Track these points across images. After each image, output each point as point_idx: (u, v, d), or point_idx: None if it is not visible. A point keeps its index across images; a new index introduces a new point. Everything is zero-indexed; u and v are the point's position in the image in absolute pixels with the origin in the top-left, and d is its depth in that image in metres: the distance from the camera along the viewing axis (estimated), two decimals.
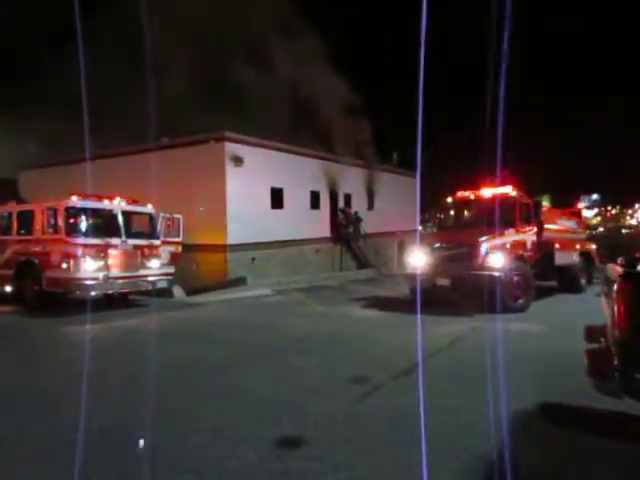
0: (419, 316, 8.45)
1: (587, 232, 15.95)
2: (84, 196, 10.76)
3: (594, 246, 14.85)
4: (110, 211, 10.97)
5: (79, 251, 10.01)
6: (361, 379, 5.33)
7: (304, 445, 3.67)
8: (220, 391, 5.07)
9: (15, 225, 11.19)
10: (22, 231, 11.07)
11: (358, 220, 22.18)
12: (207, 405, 4.65)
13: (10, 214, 11.38)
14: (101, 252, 10.33)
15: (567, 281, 12.77)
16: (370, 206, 24.55)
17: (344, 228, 22.04)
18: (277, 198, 18.53)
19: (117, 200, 11.20)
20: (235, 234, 16.30)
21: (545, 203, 12.91)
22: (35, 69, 21.47)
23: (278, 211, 18.47)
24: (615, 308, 3.23)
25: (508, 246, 10.39)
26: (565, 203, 15.32)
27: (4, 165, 21.32)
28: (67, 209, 10.30)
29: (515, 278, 9.91)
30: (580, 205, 14.82)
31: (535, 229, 11.18)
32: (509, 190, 11.13)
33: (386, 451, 3.56)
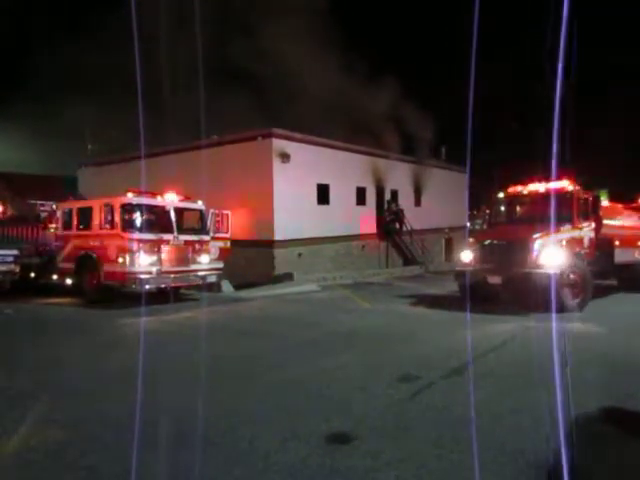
0: (469, 314, 8.25)
1: None
2: (139, 193, 11.16)
3: None
4: (163, 207, 11.34)
5: (134, 246, 10.40)
6: (410, 377, 5.26)
7: (353, 441, 3.66)
8: (269, 385, 5.14)
9: (75, 220, 11.77)
10: (81, 226, 11.63)
11: (401, 212, 21.89)
12: (257, 398, 4.72)
13: (71, 210, 11.97)
14: (155, 247, 10.70)
15: (627, 280, 12.13)
16: (417, 202, 24.19)
17: (390, 224, 21.82)
18: (323, 194, 18.58)
19: (170, 197, 11.56)
20: (282, 230, 16.48)
21: (603, 198, 12.26)
22: (89, 71, 22.50)
23: (324, 207, 18.52)
24: None
25: (564, 243, 9.93)
26: (625, 198, 14.46)
27: (65, 162, 22.51)
28: (123, 205, 10.73)
29: (571, 276, 9.48)
30: None
31: (593, 225, 10.66)
32: (566, 184, 10.65)
33: (437, 451, 3.49)
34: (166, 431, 3.87)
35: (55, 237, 12.33)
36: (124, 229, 10.59)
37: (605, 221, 10.92)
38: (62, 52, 21.32)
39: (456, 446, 3.53)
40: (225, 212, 12.75)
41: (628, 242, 11.90)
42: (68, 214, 11.98)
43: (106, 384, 5.24)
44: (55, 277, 12.13)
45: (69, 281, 11.76)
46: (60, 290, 12.06)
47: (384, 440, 3.67)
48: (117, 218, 10.68)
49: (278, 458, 3.39)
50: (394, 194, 22.49)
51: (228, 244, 12.87)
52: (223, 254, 12.59)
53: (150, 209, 11.31)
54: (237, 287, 13.78)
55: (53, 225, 12.66)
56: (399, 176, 22.50)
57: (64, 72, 22.44)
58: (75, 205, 12.15)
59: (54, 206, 12.91)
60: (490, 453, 3.38)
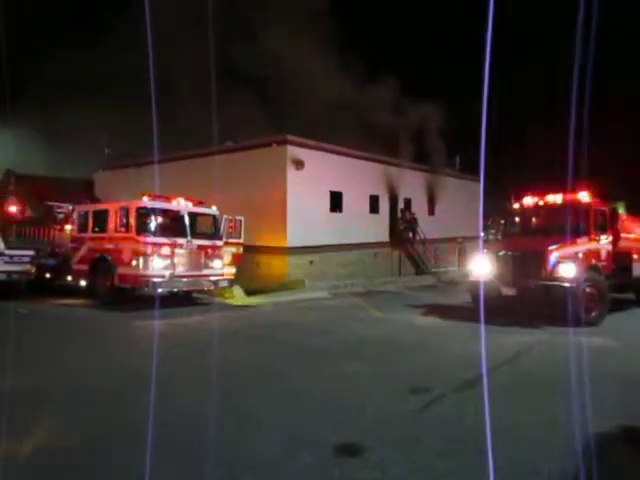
0: (482, 326, 8.14)
1: None
2: (154, 197, 11.25)
3: None
4: (177, 212, 11.41)
5: (148, 249, 10.47)
6: (421, 389, 5.19)
7: (362, 453, 3.60)
8: (278, 392, 5.11)
9: (91, 223, 11.89)
10: (97, 229, 11.75)
11: (415, 221, 21.82)
12: (266, 406, 4.69)
13: (86, 213, 12.11)
14: (168, 251, 10.76)
15: None
16: (431, 211, 24.08)
17: (403, 232, 21.73)
18: (336, 201, 18.58)
19: (184, 201, 11.64)
20: (294, 237, 16.49)
21: (621, 210, 12.07)
22: (108, 75, 22.84)
23: (337, 214, 18.51)
24: None
25: (581, 255, 9.77)
26: None
27: (81, 166, 22.82)
28: (138, 209, 10.82)
29: (588, 290, 9.30)
30: None
31: (611, 238, 10.48)
32: (583, 196, 10.51)
33: (448, 465, 3.42)
34: (176, 435, 3.86)
35: (70, 239, 12.48)
36: (139, 232, 10.67)
37: (623, 234, 10.73)
38: (72, 55, 21.67)
39: (467, 460, 3.46)
40: (238, 218, 12.78)
41: None
42: (84, 216, 12.12)
43: (117, 387, 5.25)
44: (70, 278, 12.26)
45: (83, 283, 11.87)
46: (74, 291, 12.18)
47: (394, 453, 3.61)
48: (132, 221, 10.77)
49: (286, 467, 3.36)
50: (407, 202, 22.41)
51: (240, 250, 12.89)
52: (236, 259, 12.62)
53: (165, 213, 11.39)
54: (249, 293, 13.78)
55: (69, 227, 12.81)
56: (413, 184, 22.43)
57: (77, 75, 22.80)
58: (91, 208, 12.29)
59: (70, 208, 13.06)
60: (502, 468, 3.30)
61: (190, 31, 18.96)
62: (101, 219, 11.59)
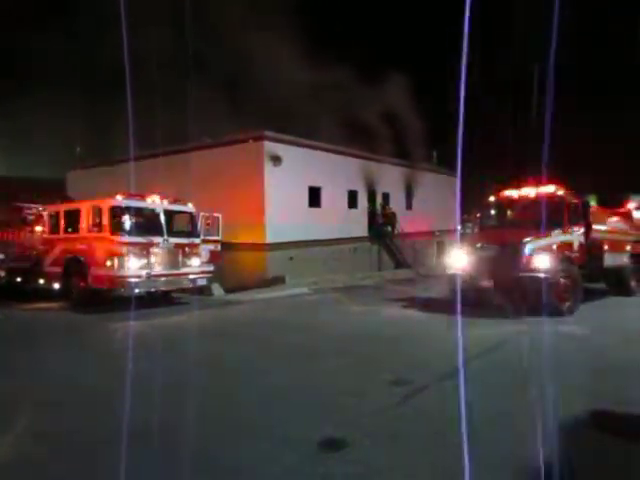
0: (460, 318, 8.23)
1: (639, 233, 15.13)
2: (128, 195, 11.01)
3: None
4: (153, 210, 11.20)
5: (123, 249, 10.25)
6: (402, 381, 5.22)
7: (346, 447, 3.60)
8: (260, 391, 5.07)
9: (62, 224, 11.58)
10: (69, 229, 11.45)
11: (393, 215, 22.00)
12: (247, 405, 4.65)
13: (58, 213, 11.78)
14: (144, 250, 10.55)
15: (616, 283, 12.23)
16: (409, 205, 24.27)
17: (382, 227, 21.88)
18: (315, 197, 18.57)
19: (159, 199, 11.42)
20: (273, 233, 16.42)
21: (592, 203, 12.37)
22: (82, 71, 22.34)
23: (316, 210, 18.49)
24: None
25: (554, 247, 9.99)
26: (613, 203, 14.58)
27: (53, 165, 22.28)
28: (112, 208, 10.57)
29: (562, 280, 9.52)
30: (630, 205, 14.05)
31: (583, 230, 10.72)
32: (556, 189, 10.72)
33: (430, 456, 3.45)
34: (154, 442, 3.77)
35: (42, 240, 12.14)
36: (113, 232, 10.44)
37: (595, 226, 10.99)
38: (44, 50, 21.11)
39: (448, 452, 3.48)
40: (216, 215, 12.64)
41: (617, 247, 12.00)
42: (55, 217, 11.80)
43: (93, 393, 5.12)
44: (42, 281, 11.94)
45: (56, 285, 11.57)
46: (47, 295, 11.87)
47: (377, 446, 3.62)
48: (106, 221, 10.53)
49: (270, 466, 3.33)
50: (385, 197, 22.55)
51: (219, 247, 12.75)
52: (214, 257, 12.47)
53: (139, 212, 11.15)
54: (228, 290, 13.66)
55: (40, 228, 12.46)
56: (391, 179, 22.56)
57: (46, 71, 22.21)
58: (63, 208, 11.96)
59: (41, 209, 12.70)
60: (485, 459, 3.33)
61: (165, 27, 18.65)
62: (73, 219, 11.29)
